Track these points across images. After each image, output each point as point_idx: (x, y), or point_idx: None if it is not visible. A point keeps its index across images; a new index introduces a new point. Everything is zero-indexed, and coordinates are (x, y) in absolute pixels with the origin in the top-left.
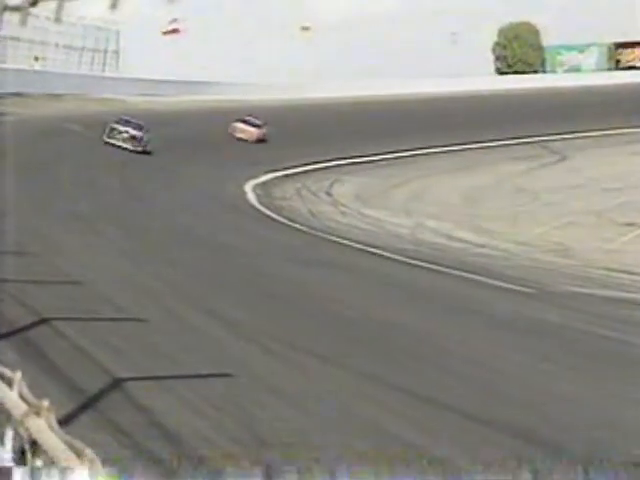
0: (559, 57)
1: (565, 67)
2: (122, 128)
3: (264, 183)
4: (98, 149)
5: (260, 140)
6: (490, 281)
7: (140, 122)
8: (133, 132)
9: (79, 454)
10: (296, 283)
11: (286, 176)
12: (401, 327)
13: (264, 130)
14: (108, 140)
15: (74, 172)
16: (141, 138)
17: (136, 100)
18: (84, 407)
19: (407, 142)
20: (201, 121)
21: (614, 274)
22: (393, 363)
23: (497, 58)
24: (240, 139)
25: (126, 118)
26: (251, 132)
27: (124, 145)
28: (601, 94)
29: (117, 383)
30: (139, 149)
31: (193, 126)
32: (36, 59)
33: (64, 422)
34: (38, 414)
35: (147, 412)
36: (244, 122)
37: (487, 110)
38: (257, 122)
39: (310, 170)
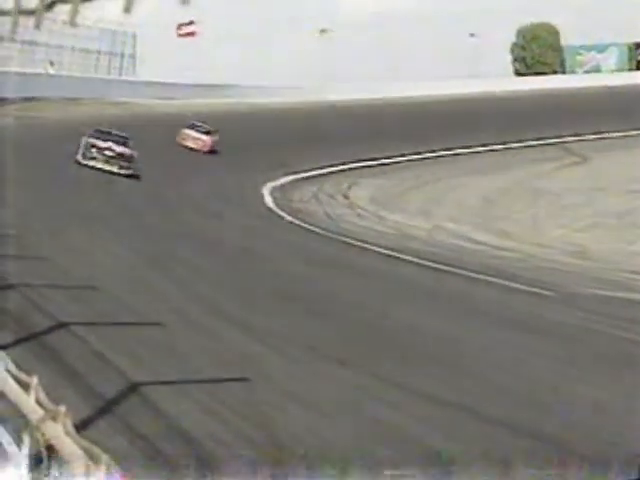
0: (578, 57)
1: (585, 68)
2: (102, 144)
3: (282, 186)
4: None
5: (212, 151)
6: (509, 284)
7: (124, 134)
8: (117, 149)
9: (96, 459)
10: (311, 284)
11: (304, 179)
12: (418, 329)
13: (215, 138)
14: (84, 162)
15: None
16: (130, 156)
17: (153, 103)
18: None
19: (424, 145)
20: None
21: (636, 276)
22: (409, 365)
23: (515, 59)
24: (191, 149)
25: (106, 130)
26: (204, 141)
27: (107, 168)
28: (622, 95)
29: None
30: (129, 172)
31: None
32: (51, 64)
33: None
34: (55, 419)
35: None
36: (193, 128)
37: (505, 112)
38: (208, 128)
39: (327, 173)
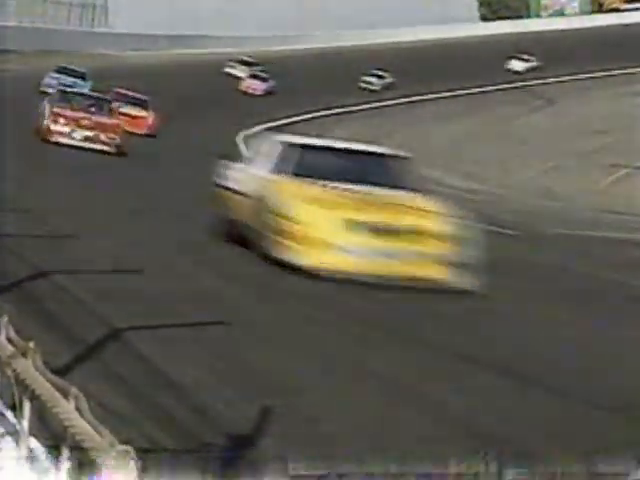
0: (543, 1)
1: (549, 11)
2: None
3: (254, 135)
4: None
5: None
6: (480, 225)
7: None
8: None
9: (65, 393)
10: None
11: (276, 127)
12: None
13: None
14: None
15: None
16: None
17: (127, 55)
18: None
19: (393, 91)
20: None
21: (600, 215)
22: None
23: (481, 4)
24: None
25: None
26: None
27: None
28: (585, 37)
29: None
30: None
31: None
32: None
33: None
34: (25, 355)
35: None
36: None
37: (471, 58)
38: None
39: (299, 121)
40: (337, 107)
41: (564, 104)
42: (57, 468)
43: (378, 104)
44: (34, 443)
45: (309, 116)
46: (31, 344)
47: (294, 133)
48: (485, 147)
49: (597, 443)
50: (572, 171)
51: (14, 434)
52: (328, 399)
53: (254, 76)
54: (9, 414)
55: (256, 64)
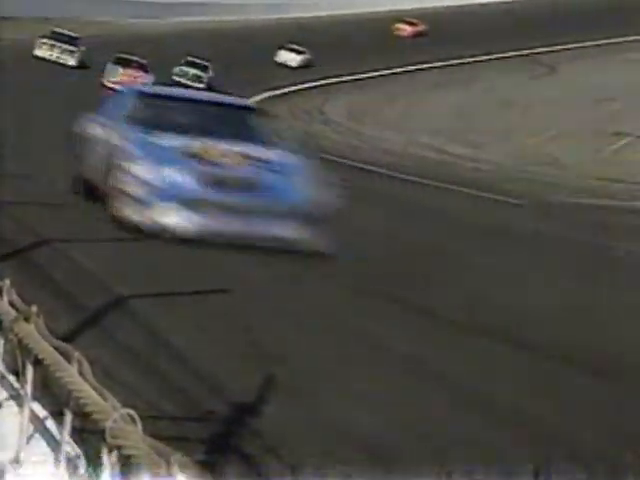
0: None
1: None
2: None
3: (257, 103)
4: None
5: None
6: (483, 194)
7: None
8: None
9: (68, 357)
10: None
11: (279, 95)
12: (394, 238)
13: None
14: None
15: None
16: None
17: (129, 23)
18: None
19: (395, 60)
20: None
21: (603, 182)
22: (385, 274)
23: None
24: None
25: None
26: None
27: None
28: (589, 3)
29: None
30: None
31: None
32: None
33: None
34: (27, 320)
35: None
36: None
37: (473, 25)
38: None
39: (302, 89)
40: (341, 76)
41: (567, 72)
42: (61, 432)
43: (381, 73)
44: (37, 407)
45: (312, 85)
46: (33, 308)
47: (298, 101)
48: (488, 115)
49: None
50: (575, 139)
51: (17, 399)
52: None
53: (130, 62)
54: (12, 379)
55: (76, 38)
